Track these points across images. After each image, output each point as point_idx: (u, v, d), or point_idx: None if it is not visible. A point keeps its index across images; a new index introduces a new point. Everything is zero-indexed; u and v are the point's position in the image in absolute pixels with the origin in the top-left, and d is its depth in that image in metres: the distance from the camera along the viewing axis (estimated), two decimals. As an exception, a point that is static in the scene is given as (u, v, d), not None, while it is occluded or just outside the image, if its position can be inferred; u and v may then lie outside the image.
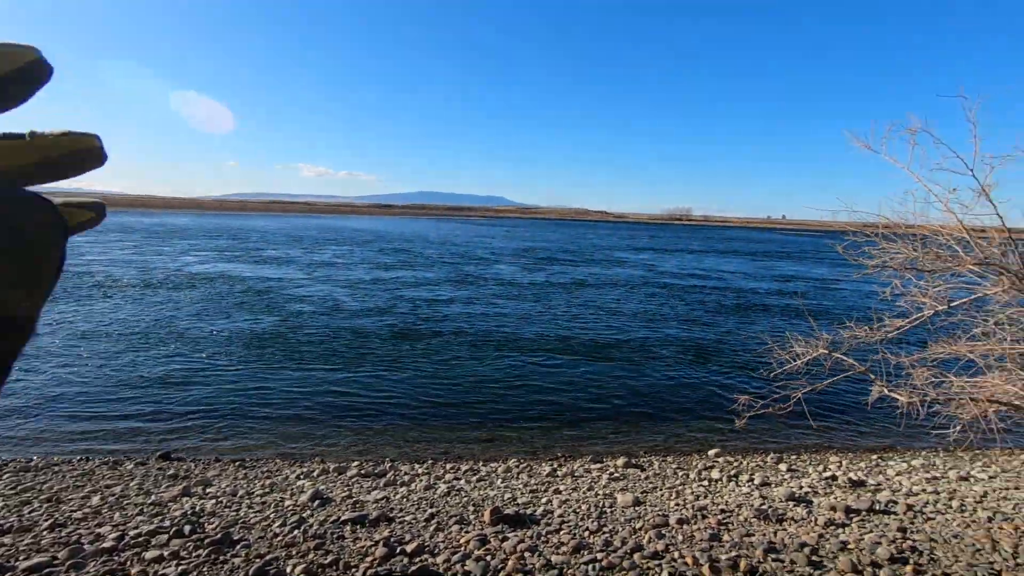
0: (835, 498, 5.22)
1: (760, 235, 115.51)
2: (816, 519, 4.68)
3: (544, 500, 5.15)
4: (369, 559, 3.79)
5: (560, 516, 4.68)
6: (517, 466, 6.41)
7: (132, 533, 4.13)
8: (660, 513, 4.77)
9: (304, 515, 4.65)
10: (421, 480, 5.80)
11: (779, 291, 24.04)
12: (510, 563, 3.69)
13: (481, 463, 6.52)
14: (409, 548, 3.90)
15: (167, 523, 4.35)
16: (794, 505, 5.02)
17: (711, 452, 6.95)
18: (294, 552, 3.90)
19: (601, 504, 5.01)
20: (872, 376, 3.90)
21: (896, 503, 5.11)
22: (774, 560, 3.91)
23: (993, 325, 3.89)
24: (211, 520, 4.50)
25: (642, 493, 5.38)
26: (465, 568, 3.66)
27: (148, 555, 3.80)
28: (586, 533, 4.31)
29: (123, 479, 5.61)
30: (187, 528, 4.20)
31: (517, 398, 8.97)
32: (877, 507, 4.98)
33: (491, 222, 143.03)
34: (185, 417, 7.66)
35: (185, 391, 8.64)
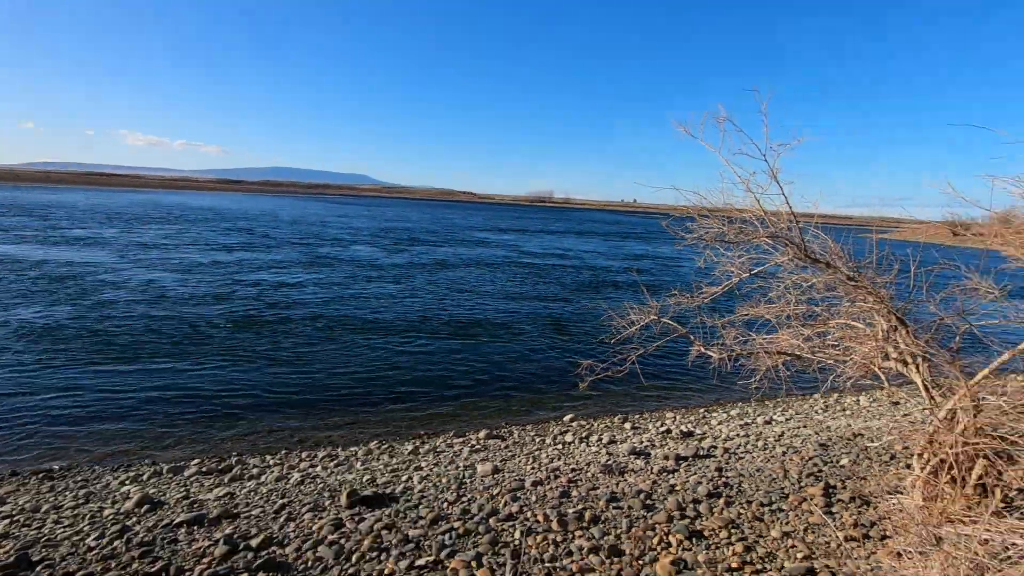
0: (668, 449, 6.02)
1: (616, 217, 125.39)
2: (652, 468, 5.36)
3: (405, 478, 5.22)
4: (207, 559, 3.55)
5: (420, 491, 4.78)
6: (378, 447, 6.38)
7: None
8: (517, 478, 5.10)
9: (128, 523, 4.19)
10: (272, 471, 5.51)
11: (629, 268, 26.52)
12: (365, 543, 3.71)
13: (340, 448, 6.38)
14: (255, 542, 3.72)
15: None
16: (635, 458, 5.69)
17: (566, 418, 7.56)
18: (113, 565, 3.50)
19: (461, 476, 5.21)
20: (692, 337, 4.56)
21: (716, 448, 6.05)
22: (615, 508, 4.42)
23: (783, 290, 4.75)
24: (2, 543, 3.85)
25: (501, 461, 5.70)
26: (317, 554, 3.60)
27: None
28: (445, 504, 4.46)
29: None
30: (-39, 561, 3.54)
31: (378, 381, 8.85)
32: (701, 453, 5.85)
33: (352, 201, 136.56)
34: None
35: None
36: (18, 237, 24.81)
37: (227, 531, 3.99)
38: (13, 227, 28.85)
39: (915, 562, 3.00)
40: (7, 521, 4.29)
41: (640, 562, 3.62)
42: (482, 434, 6.72)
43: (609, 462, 5.52)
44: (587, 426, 7.16)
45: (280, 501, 4.62)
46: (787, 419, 7.34)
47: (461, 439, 6.64)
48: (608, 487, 4.83)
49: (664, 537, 3.93)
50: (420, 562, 3.50)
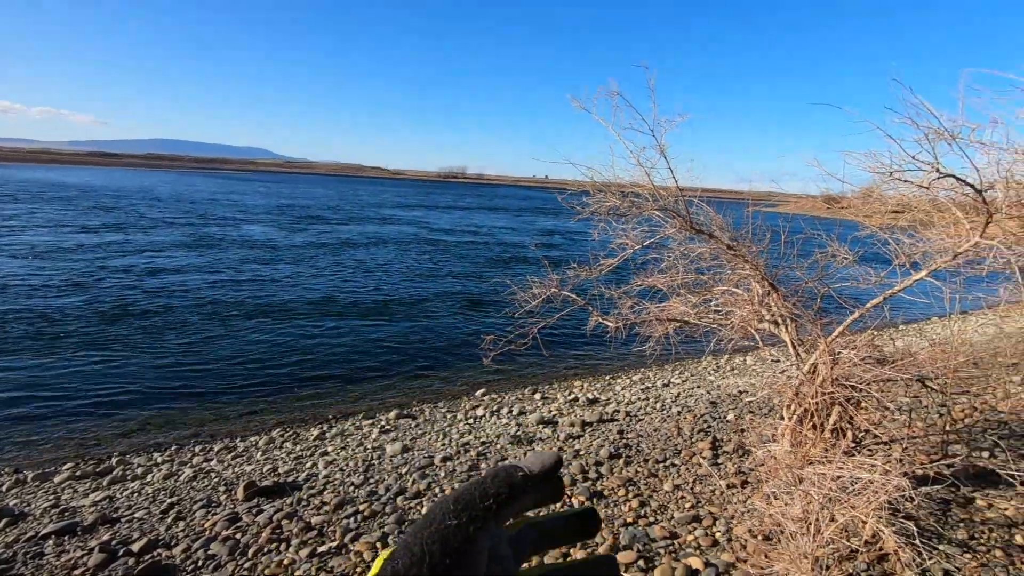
0: (575, 416, 6.30)
1: (527, 192, 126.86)
2: (559, 435, 5.61)
3: (309, 464, 5.07)
4: (79, 571, 3.27)
5: (326, 477, 4.68)
6: (281, 435, 6.13)
7: None
8: (426, 455, 5.13)
9: (-26, 546, 3.73)
10: (161, 469, 5.14)
11: (538, 243, 27.06)
12: (264, 535, 3.58)
13: (239, 439, 6.06)
14: (137, 547, 3.48)
15: None
16: (543, 427, 5.91)
17: (479, 393, 7.67)
18: (-45, 595, 3.13)
19: (370, 458, 5.16)
20: (590, 308, 4.78)
21: (619, 412, 6.43)
22: (522, 476, 4.58)
23: (673, 260, 5.07)
24: None
25: (411, 440, 5.69)
26: (209, 552, 3.43)
27: None
28: (351, 488, 4.40)
29: None
30: None
31: (280, 367, 8.45)
32: (605, 417, 6.19)
33: (249, 177, 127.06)
34: None
35: None
36: None
37: (104, 538, 3.69)
38: None
39: (782, 502, 3.40)
40: None
41: (544, 526, 3.79)
42: (392, 414, 6.66)
43: (518, 433, 5.70)
44: (499, 399, 7.32)
45: (169, 500, 4.33)
46: (683, 381, 7.93)
47: (370, 421, 6.54)
48: (516, 457, 4.98)
49: (567, 500, 4.15)
50: (322, 549, 3.45)
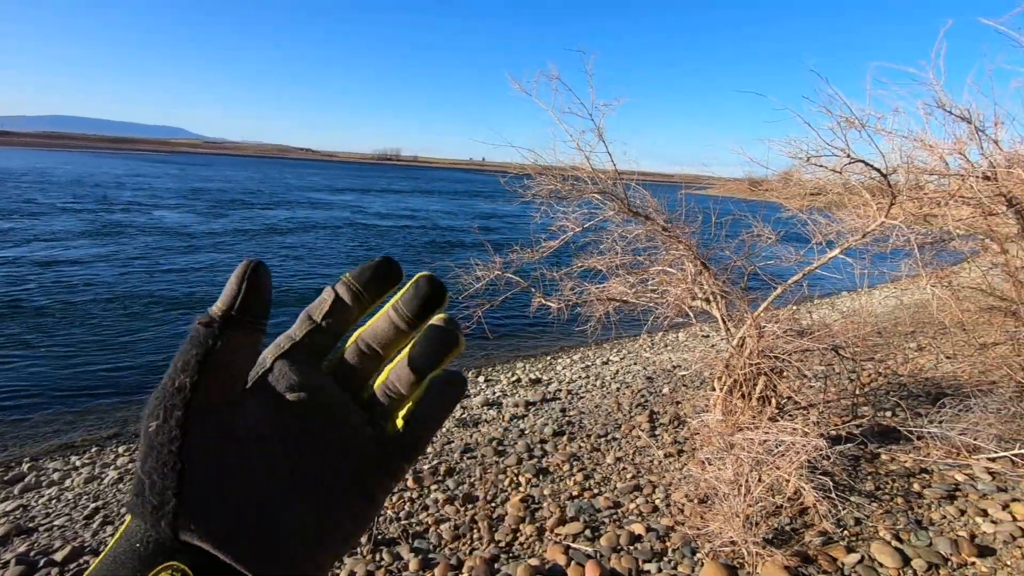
0: (519, 396, 6.43)
1: (465, 176, 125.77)
2: (504, 416, 5.71)
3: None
4: (-8, 590, 3.04)
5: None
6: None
7: None
8: (370, 445, 5.09)
9: None
10: (80, 473, 4.80)
11: (476, 227, 27.02)
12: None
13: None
14: (60, 556, 3.26)
15: None
16: (488, 409, 6.00)
17: (420, 381, 7.66)
18: None
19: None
20: (533, 290, 4.88)
21: (561, 391, 6.62)
22: (469, 458, 4.65)
23: (611, 242, 5.25)
24: None
25: (353, 431, 5.62)
26: (141, 558, 3.27)
27: None
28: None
29: None
30: None
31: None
32: (548, 397, 6.36)
33: (163, 158, 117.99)
34: None
35: None
36: None
37: (21, 550, 3.43)
38: None
39: (715, 467, 3.65)
40: None
41: (492, 504, 3.89)
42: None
43: (463, 416, 5.75)
44: (441, 385, 7.34)
45: (93, 505, 4.07)
46: (621, 358, 8.25)
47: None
48: (462, 439, 5.05)
49: (515, 478, 4.26)
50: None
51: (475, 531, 3.54)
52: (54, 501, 4.23)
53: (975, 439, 3.81)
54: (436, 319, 0.39)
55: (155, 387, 0.31)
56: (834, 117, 3.68)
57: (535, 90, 4.60)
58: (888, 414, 4.73)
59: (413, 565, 3.13)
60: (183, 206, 28.13)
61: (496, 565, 3.11)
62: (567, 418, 5.57)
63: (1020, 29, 3.23)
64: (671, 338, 9.35)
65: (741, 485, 3.21)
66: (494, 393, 6.69)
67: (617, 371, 7.49)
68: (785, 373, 4.24)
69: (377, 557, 3.25)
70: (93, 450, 5.43)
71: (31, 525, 3.80)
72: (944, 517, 3.24)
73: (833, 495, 3.19)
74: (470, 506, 3.87)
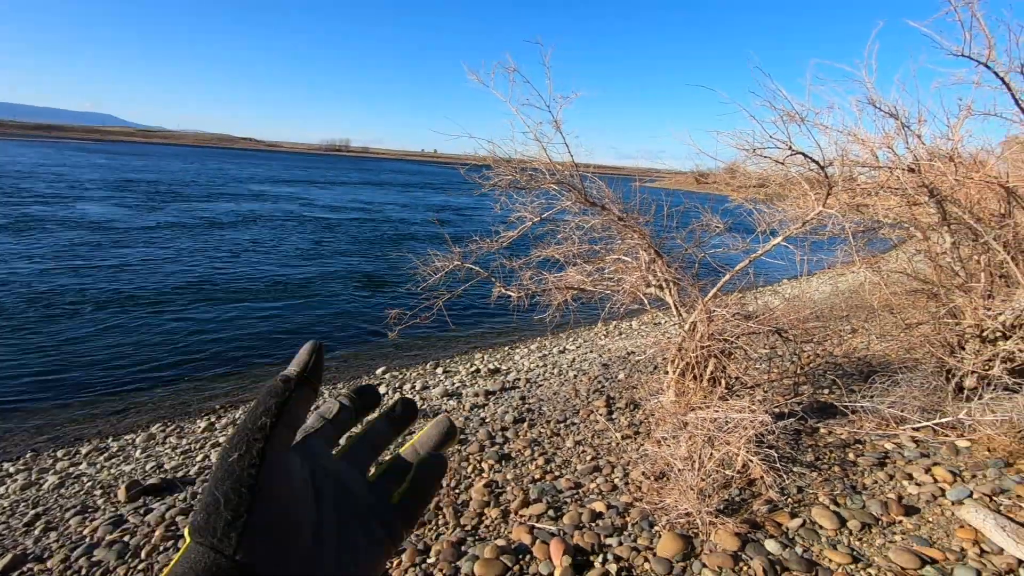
0: (478, 386, 6.50)
1: (416, 167, 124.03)
2: (464, 406, 5.77)
3: (200, 458, 4.78)
4: (-75, 604, 2.86)
5: (219, 471, 4.44)
6: (163, 431, 5.67)
7: None
8: (330, 438, 5.04)
9: None
10: (15, 480, 4.56)
11: (431, 219, 26.78)
12: (157, 533, 3.36)
13: (110, 439, 5.51)
14: (1, 564, 3.10)
15: None
16: (448, 399, 6.04)
17: (379, 371, 7.59)
18: None
19: (267, 447, 4.96)
20: (493, 279, 4.94)
21: (520, 380, 6.73)
22: (431, 448, 4.69)
23: (569, 231, 5.37)
24: None
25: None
26: (93, 559, 3.16)
27: None
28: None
29: None
30: None
31: (149, 359, 7.70)
32: (507, 386, 6.46)
33: (90, 147, 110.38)
34: None
35: None
36: None
37: (-47, 561, 3.24)
38: None
39: (670, 445, 3.84)
40: None
41: (456, 491, 3.95)
42: (286, 401, 6.41)
43: (423, 407, 5.77)
44: (400, 376, 7.31)
45: (32, 512, 3.88)
46: (577, 347, 8.44)
47: (262, 409, 6.25)
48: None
49: (477, 465, 4.34)
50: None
51: (440, 516, 3.59)
52: (-11, 509, 4.01)
53: (902, 411, 4.16)
54: (440, 417, 0.52)
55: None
56: (777, 111, 3.91)
57: (492, 82, 4.64)
58: (825, 391, 5.07)
59: (380, 552, 3.15)
60: (109, 199, 26.21)
61: (463, 547, 3.18)
62: (527, 406, 5.68)
63: (942, 32, 3.52)
64: (625, 326, 9.63)
65: (694, 461, 3.40)
66: (453, 384, 6.73)
67: (574, 359, 7.67)
68: (733, 355, 4.48)
69: (343, 547, 3.25)
70: (28, 456, 5.15)
71: (-36, 535, 3.59)
72: (875, 482, 3.53)
73: (778, 466, 3.42)
74: (434, 493, 3.91)
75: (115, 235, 16.79)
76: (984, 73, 3.73)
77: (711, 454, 3.44)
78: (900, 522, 3.10)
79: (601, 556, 3.00)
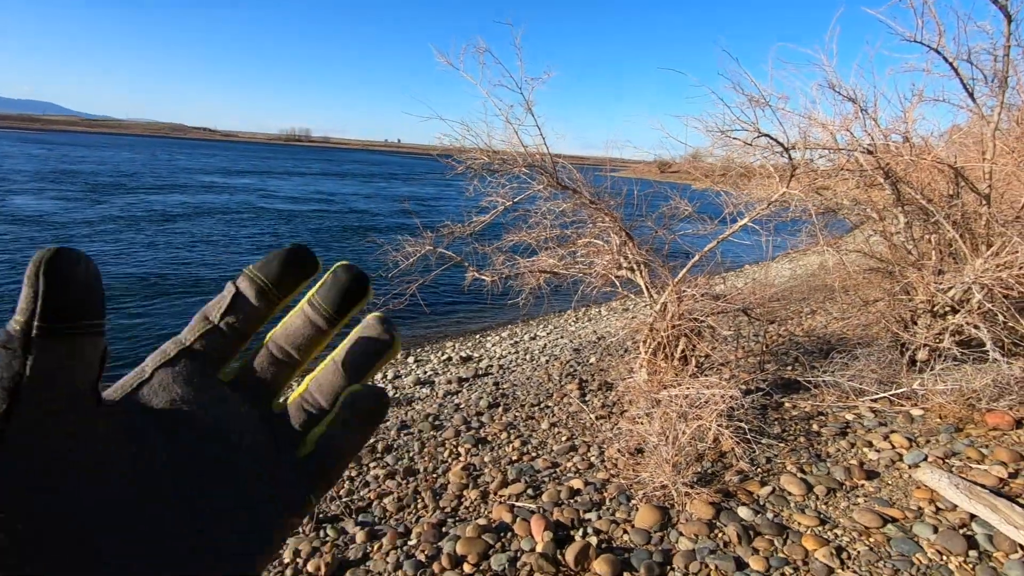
0: (451, 374, 6.49)
1: (378, 157, 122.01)
2: (438, 393, 5.76)
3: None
4: None
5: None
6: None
7: None
8: (301, 429, 4.96)
9: None
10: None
11: (397, 210, 26.44)
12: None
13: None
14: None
15: None
16: (421, 387, 6.01)
17: (347, 364, 7.51)
18: None
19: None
20: (466, 264, 4.94)
21: (492, 366, 6.75)
22: (406, 434, 4.67)
23: (540, 216, 5.41)
24: None
25: (281, 417, 5.44)
26: None
27: None
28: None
29: None
30: None
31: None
32: (480, 372, 6.47)
33: (27, 136, 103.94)
34: None
35: None
36: None
37: None
38: None
39: (644, 422, 3.94)
40: None
41: (434, 475, 3.95)
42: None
43: (396, 395, 5.73)
44: (369, 367, 7.24)
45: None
46: (548, 333, 8.51)
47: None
48: (398, 417, 5.05)
49: (454, 449, 4.35)
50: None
51: (419, 500, 3.59)
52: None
53: (860, 384, 4.38)
54: (370, 318, 0.35)
55: None
56: (744, 95, 4.03)
57: (462, 64, 4.62)
58: (789, 368, 5.28)
59: (360, 537, 3.14)
60: (46, 191, 24.21)
61: (444, 528, 3.19)
62: (500, 391, 5.71)
63: (896, 18, 3.70)
64: (594, 312, 9.76)
65: (668, 435, 3.50)
66: (425, 372, 6.70)
67: (545, 345, 7.74)
68: (703, 334, 4.62)
69: (321, 534, 3.22)
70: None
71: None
72: (838, 450, 3.71)
73: (749, 438, 3.56)
74: (411, 479, 3.91)
75: (54, 230, 15.65)
76: (934, 60, 3.93)
77: (684, 429, 3.54)
78: (862, 486, 3.27)
79: (581, 530, 3.07)
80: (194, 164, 53.32)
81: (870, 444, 3.74)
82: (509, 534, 3.07)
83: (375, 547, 3.06)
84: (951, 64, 3.74)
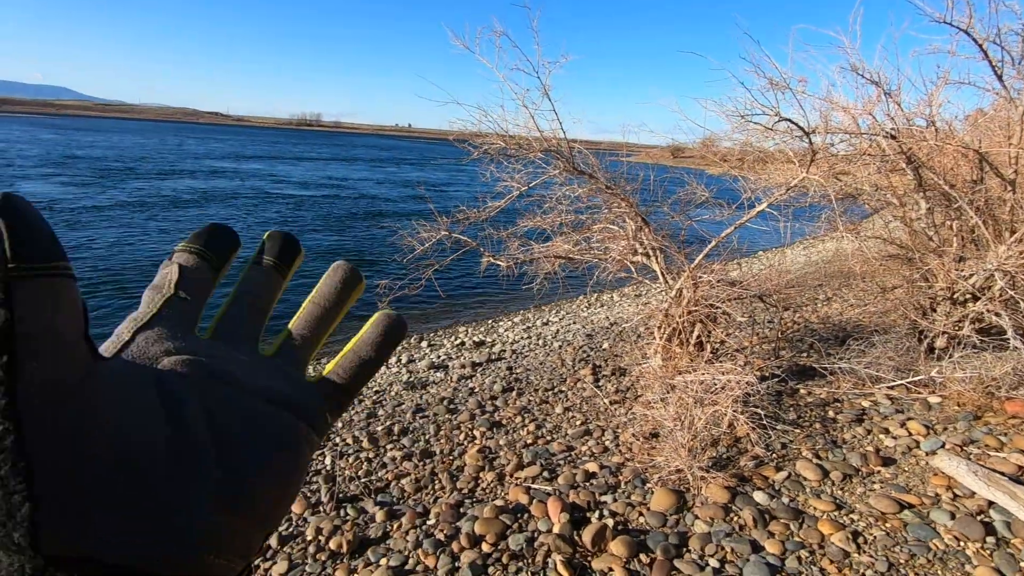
0: (464, 358, 6.54)
1: (389, 142, 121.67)
2: (452, 377, 5.81)
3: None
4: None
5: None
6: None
7: None
8: (318, 411, 5.04)
9: None
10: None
11: (407, 196, 26.44)
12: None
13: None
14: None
15: None
16: (435, 371, 6.07)
17: (361, 348, 7.59)
18: None
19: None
20: (481, 249, 4.96)
21: (505, 351, 6.79)
22: (422, 417, 4.74)
23: (555, 201, 5.39)
24: None
25: (298, 400, 5.52)
26: None
27: None
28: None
29: None
30: None
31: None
32: (493, 357, 6.52)
33: (37, 121, 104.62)
34: None
35: None
36: None
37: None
38: None
39: (659, 407, 3.96)
40: None
41: (450, 457, 4.01)
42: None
43: (411, 379, 5.80)
44: (383, 351, 7.31)
45: None
46: (560, 319, 8.54)
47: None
48: (413, 401, 5.11)
49: (469, 432, 4.40)
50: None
51: (436, 482, 3.65)
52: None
53: (877, 371, 4.36)
54: (335, 263, 0.38)
55: None
56: (764, 77, 3.97)
57: (478, 47, 4.59)
58: (804, 355, 5.26)
59: (380, 517, 3.20)
60: (54, 176, 24.04)
61: (461, 509, 3.25)
62: (514, 375, 5.75)
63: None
64: (606, 298, 9.76)
65: (684, 420, 3.52)
66: (439, 357, 6.75)
67: (557, 331, 7.76)
68: (718, 320, 4.61)
69: (342, 513, 3.29)
70: None
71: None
72: (854, 437, 3.72)
73: (764, 423, 3.57)
74: (428, 460, 3.97)
75: (61, 215, 15.47)
76: (961, 42, 3.84)
77: (700, 414, 3.56)
78: (879, 472, 3.28)
79: (597, 512, 3.11)
80: (204, 149, 53.51)
81: (886, 431, 3.74)
82: (526, 515, 3.12)
83: (394, 526, 3.13)
84: (980, 46, 3.66)
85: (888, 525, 2.78)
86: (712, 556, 2.69)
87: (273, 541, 3.01)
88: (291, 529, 3.18)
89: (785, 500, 3.06)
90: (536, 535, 2.93)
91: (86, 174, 25.70)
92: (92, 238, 13.21)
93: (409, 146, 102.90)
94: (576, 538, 2.85)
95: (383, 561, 2.83)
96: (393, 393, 5.38)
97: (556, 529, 2.92)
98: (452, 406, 4.96)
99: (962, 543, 2.60)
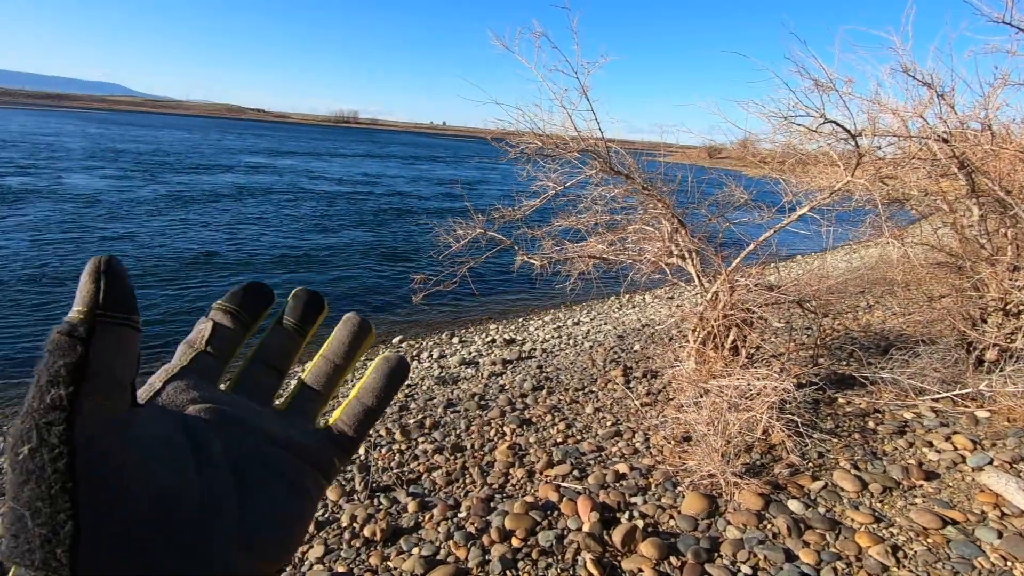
0: (495, 355, 6.59)
1: (423, 140, 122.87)
2: (482, 374, 5.87)
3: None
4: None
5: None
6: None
7: None
8: (353, 402, 5.16)
9: None
10: None
11: (440, 194, 26.69)
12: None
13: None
14: None
15: None
16: (466, 368, 6.14)
17: (395, 340, 7.70)
18: None
19: (291, 410, 5.08)
20: (516, 247, 4.99)
21: (536, 350, 6.82)
22: (453, 412, 4.80)
23: (590, 202, 5.39)
24: None
25: (332, 391, 5.66)
26: None
27: None
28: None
29: None
30: None
31: (155, 335, 7.83)
32: (523, 355, 6.55)
33: (90, 116, 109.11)
34: None
35: None
36: None
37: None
38: None
39: (692, 411, 3.92)
40: None
41: (481, 452, 4.06)
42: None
43: (442, 375, 5.88)
44: (416, 345, 7.42)
45: None
46: (591, 319, 8.51)
47: (282, 375, 6.37)
48: (444, 396, 5.19)
49: (500, 428, 4.44)
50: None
51: (467, 476, 3.71)
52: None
53: (921, 383, 4.22)
54: (348, 314, 0.40)
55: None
56: (809, 78, 3.88)
57: (517, 47, 4.61)
58: (843, 363, 5.13)
59: (412, 507, 3.27)
60: (96, 169, 24.60)
61: (492, 504, 3.29)
62: (544, 374, 5.77)
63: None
64: (638, 299, 9.68)
65: (717, 425, 3.48)
66: (470, 353, 6.82)
67: (588, 331, 7.75)
68: (754, 325, 4.54)
69: (375, 502, 3.38)
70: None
71: None
72: (895, 449, 3.62)
73: (801, 431, 3.50)
74: (459, 455, 4.03)
75: (104, 208, 15.87)
76: (1021, 42, 3.69)
77: (734, 420, 3.51)
78: (921, 486, 3.19)
79: (627, 513, 3.11)
80: (243, 144, 54.98)
81: (930, 444, 3.62)
82: (556, 512, 3.14)
83: (426, 517, 3.19)
84: (1042, 46, 3.51)
85: (930, 541, 2.71)
86: (744, 563, 2.66)
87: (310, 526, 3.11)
88: (327, 515, 3.28)
89: (821, 510, 3.01)
90: (566, 533, 2.95)
91: (127, 168, 26.40)
92: (137, 229, 13.69)
93: (443, 144, 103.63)
94: (606, 538, 2.86)
95: (415, 550, 2.90)
96: (425, 387, 5.47)
97: (586, 528, 2.93)
98: (483, 402, 5.01)
99: (1009, 563, 2.52)
